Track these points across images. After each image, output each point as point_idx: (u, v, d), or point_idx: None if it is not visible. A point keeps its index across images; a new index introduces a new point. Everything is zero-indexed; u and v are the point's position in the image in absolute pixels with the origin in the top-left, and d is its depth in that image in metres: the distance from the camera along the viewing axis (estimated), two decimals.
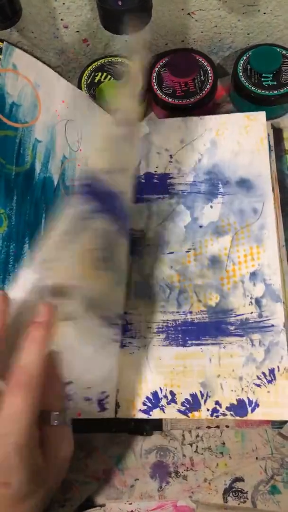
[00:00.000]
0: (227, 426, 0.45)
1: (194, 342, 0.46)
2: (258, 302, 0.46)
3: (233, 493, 0.43)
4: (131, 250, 0.50)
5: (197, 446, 0.45)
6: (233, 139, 0.53)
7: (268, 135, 0.53)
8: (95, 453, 0.45)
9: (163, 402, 0.45)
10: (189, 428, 0.46)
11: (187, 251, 0.49)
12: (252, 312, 0.46)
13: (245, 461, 0.44)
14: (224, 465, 0.44)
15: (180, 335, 0.46)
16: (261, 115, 0.53)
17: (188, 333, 0.46)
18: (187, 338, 0.46)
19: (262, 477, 0.44)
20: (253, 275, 0.47)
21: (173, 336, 0.46)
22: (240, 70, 0.56)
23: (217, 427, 0.46)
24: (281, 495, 0.43)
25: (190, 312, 0.47)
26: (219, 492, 0.44)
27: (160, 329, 0.47)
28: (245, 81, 0.55)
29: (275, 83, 0.55)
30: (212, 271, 0.48)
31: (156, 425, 0.46)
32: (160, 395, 0.45)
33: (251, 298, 0.46)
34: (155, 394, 0.45)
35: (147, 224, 0.51)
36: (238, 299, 0.47)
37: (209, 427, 0.46)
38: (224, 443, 0.45)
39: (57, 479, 0.36)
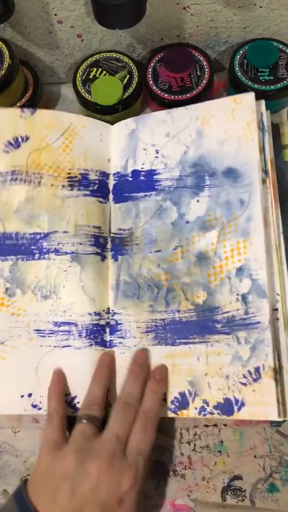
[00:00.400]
0: (225, 425, 0.45)
1: (182, 341, 0.46)
2: (244, 298, 0.45)
3: (232, 492, 0.43)
4: (120, 249, 0.50)
5: (195, 445, 0.45)
6: (220, 126, 0.51)
7: (262, 114, 0.51)
8: None
9: None
10: (186, 426, 0.46)
11: (174, 249, 0.49)
12: (238, 309, 0.45)
13: (244, 459, 0.44)
14: (222, 464, 0.44)
15: (168, 334, 0.46)
16: (249, 96, 0.50)
17: (177, 332, 0.46)
18: (175, 337, 0.46)
19: (260, 475, 0.44)
20: (240, 270, 0.46)
21: (162, 335, 0.46)
22: (237, 65, 0.55)
23: (215, 425, 0.45)
24: (280, 493, 0.43)
25: (178, 311, 0.47)
26: (217, 491, 0.43)
27: (149, 329, 0.47)
28: (241, 76, 0.55)
29: (271, 77, 0.54)
30: (199, 268, 0.47)
31: None
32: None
33: (237, 294, 0.45)
34: None
35: (135, 222, 0.50)
36: (225, 296, 0.46)
37: (206, 426, 0.45)
38: (222, 442, 0.45)
39: None
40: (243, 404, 0.43)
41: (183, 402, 0.44)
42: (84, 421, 0.41)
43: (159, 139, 0.52)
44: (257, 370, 0.43)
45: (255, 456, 0.44)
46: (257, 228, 0.46)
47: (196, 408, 0.43)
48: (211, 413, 0.43)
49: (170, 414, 0.44)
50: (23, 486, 0.39)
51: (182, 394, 0.44)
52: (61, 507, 0.36)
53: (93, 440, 0.39)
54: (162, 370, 0.44)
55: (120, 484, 0.37)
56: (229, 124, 0.50)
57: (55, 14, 0.53)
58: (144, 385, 0.43)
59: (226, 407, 0.43)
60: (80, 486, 0.37)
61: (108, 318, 0.48)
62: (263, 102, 0.51)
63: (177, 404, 0.44)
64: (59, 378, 0.45)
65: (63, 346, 0.46)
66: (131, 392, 0.42)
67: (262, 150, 0.49)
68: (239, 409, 0.43)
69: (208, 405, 0.43)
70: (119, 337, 0.47)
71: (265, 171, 0.49)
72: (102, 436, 0.40)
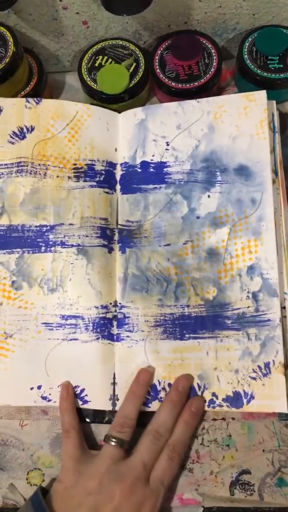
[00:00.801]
0: (233, 418, 0.45)
1: (191, 335, 0.46)
2: (255, 296, 0.46)
3: (240, 486, 0.43)
4: (128, 242, 0.49)
5: (203, 439, 0.45)
6: (232, 122, 0.50)
7: (273, 115, 0.50)
8: (98, 447, 0.45)
9: (162, 394, 0.45)
10: None
11: (184, 243, 0.48)
12: (249, 307, 0.45)
13: (252, 454, 0.44)
14: (230, 458, 0.44)
15: (177, 329, 0.46)
16: (261, 94, 0.50)
17: (186, 327, 0.46)
18: (184, 331, 0.46)
19: (269, 469, 0.43)
20: (251, 268, 0.46)
21: (170, 329, 0.46)
22: (246, 53, 0.54)
23: (223, 419, 0.45)
24: None
25: (188, 306, 0.46)
26: (226, 485, 0.43)
27: (158, 323, 0.46)
28: (250, 64, 0.53)
29: (281, 65, 0.53)
30: (210, 264, 0.47)
31: None
32: (159, 388, 0.45)
33: (248, 292, 0.46)
34: (153, 386, 0.45)
35: (144, 215, 0.50)
36: (235, 293, 0.46)
37: (214, 419, 0.45)
38: (230, 436, 0.45)
39: None
40: (252, 397, 0.43)
41: (192, 395, 0.44)
42: (113, 443, 0.41)
43: (170, 131, 0.51)
44: (267, 365, 0.44)
45: (263, 450, 0.44)
46: (269, 228, 0.46)
47: (205, 401, 0.44)
48: (220, 405, 0.44)
49: None
50: (40, 494, 0.39)
51: (191, 388, 0.44)
52: None
53: (120, 463, 0.40)
54: (200, 403, 0.44)
55: (139, 511, 0.38)
56: (241, 121, 0.50)
57: (60, 0, 0.52)
58: (179, 414, 0.43)
59: (235, 400, 0.44)
60: (102, 506, 0.38)
61: (115, 311, 0.47)
62: (274, 103, 0.51)
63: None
64: (69, 393, 0.45)
65: (71, 339, 0.46)
66: (165, 422, 0.42)
67: (272, 150, 0.49)
68: (248, 401, 0.43)
69: (217, 398, 0.44)
70: (126, 331, 0.46)
71: (275, 171, 0.49)
72: (130, 461, 0.41)
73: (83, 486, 0.39)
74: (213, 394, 0.44)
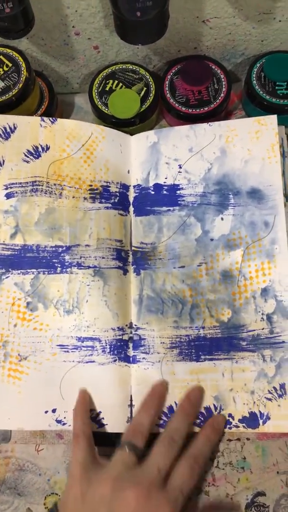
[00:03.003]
0: (247, 439, 0.45)
1: (207, 357, 0.46)
2: (269, 318, 0.47)
3: (255, 508, 0.44)
4: (143, 264, 0.50)
5: (218, 461, 0.45)
6: (244, 146, 0.52)
7: (282, 139, 0.52)
8: None
9: None
10: None
11: (198, 265, 0.49)
12: (263, 328, 0.46)
13: (267, 476, 0.44)
14: (245, 480, 0.44)
15: (193, 350, 0.47)
16: (272, 119, 0.52)
17: (201, 348, 0.47)
18: (200, 353, 0.46)
19: (283, 491, 0.44)
20: (264, 291, 0.47)
21: (186, 351, 0.47)
22: (254, 78, 0.55)
23: (238, 439, 0.46)
24: None
25: (203, 327, 0.47)
26: (241, 507, 0.44)
27: (174, 344, 0.47)
28: (258, 89, 0.54)
29: None
30: (224, 286, 0.48)
31: None
32: (175, 409, 0.45)
33: (262, 314, 0.47)
34: (170, 408, 0.45)
35: (158, 237, 0.50)
36: (250, 315, 0.47)
37: (229, 440, 0.45)
38: (245, 458, 0.45)
39: None
40: (268, 417, 0.44)
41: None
42: (126, 449, 0.40)
43: (182, 154, 0.52)
44: (282, 386, 0.44)
45: (277, 472, 0.44)
46: (282, 251, 0.47)
47: (225, 420, 0.45)
48: (237, 426, 0.44)
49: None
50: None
51: (207, 409, 0.45)
52: None
53: (133, 469, 0.39)
54: (221, 421, 0.44)
55: None
56: (253, 144, 0.51)
57: (73, 26, 0.53)
58: (192, 423, 0.44)
59: (251, 420, 0.44)
60: (117, 511, 0.36)
61: (131, 333, 0.48)
62: (283, 128, 0.52)
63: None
64: (85, 398, 0.44)
65: (87, 362, 0.46)
66: (179, 429, 0.42)
67: (282, 174, 0.50)
68: (264, 422, 0.44)
69: (233, 419, 0.44)
70: (142, 353, 0.47)
71: (286, 196, 0.50)
72: (143, 466, 0.39)
73: (94, 494, 0.37)
74: (229, 415, 0.45)
